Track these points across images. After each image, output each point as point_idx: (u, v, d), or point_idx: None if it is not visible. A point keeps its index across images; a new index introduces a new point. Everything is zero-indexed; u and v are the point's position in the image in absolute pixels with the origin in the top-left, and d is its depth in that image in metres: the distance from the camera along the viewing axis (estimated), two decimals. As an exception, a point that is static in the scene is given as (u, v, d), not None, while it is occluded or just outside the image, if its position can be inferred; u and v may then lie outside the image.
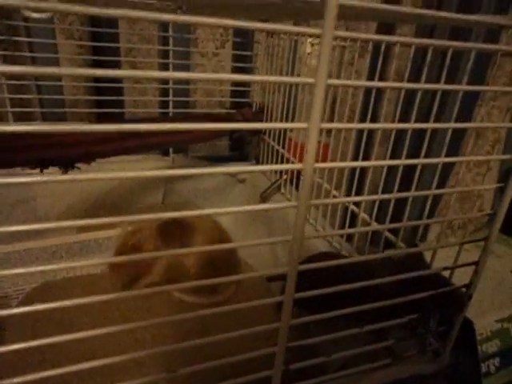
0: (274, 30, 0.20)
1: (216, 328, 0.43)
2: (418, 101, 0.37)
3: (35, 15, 0.29)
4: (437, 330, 0.37)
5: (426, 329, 0.38)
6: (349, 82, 0.23)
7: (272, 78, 0.25)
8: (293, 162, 0.61)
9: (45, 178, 0.22)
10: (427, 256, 0.38)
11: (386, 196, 0.31)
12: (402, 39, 0.23)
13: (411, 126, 0.31)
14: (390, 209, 0.41)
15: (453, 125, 0.32)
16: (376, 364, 0.34)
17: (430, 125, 0.30)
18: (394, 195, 0.33)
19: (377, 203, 0.46)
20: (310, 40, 0.56)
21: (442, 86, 0.29)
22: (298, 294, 0.26)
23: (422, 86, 0.28)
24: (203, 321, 0.41)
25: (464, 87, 0.29)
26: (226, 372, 0.37)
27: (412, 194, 0.33)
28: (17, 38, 0.69)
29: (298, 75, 0.68)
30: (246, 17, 0.70)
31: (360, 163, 0.24)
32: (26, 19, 0.67)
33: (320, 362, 0.31)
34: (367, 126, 0.22)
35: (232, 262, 0.48)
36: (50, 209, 0.68)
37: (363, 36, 0.21)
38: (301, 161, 0.63)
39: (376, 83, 0.22)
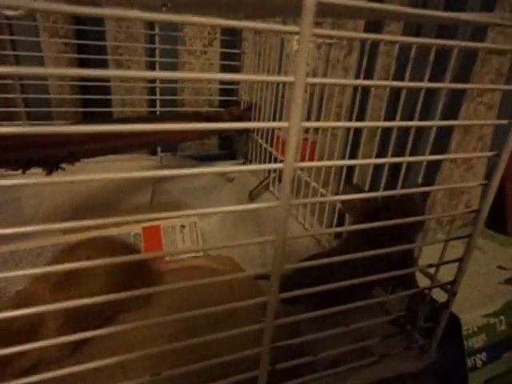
0: (249, 28, 0.20)
1: (203, 329, 0.43)
2: (403, 98, 0.38)
3: (9, 13, 0.28)
4: (423, 326, 0.37)
5: (413, 325, 0.39)
6: (327, 80, 0.23)
7: (252, 77, 0.25)
8: (281, 160, 0.61)
9: (22, 181, 0.21)
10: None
11: (371, 194, 0.31)
12: (385, 37, 0.23)
13: (396, 124, 0.31)
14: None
15: (438, 123, 0.32)
16: (363, 361, 0.34)
17: (415, 123, 0.30)
18: (380, 193, 0.33)
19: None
20: (296, 37, 0.56)
21: (425, 84, 0.29)
22: (282, 294, 0.26)
23: (406, 84, 0.28)
24: (190, 323, 0.41)
25: (445, 85, 0.29)
26: (214, 373, 0.37)
27: (398, 191, 0.33)
28: (-1, 37, 0.68)
29: (286, 73, 0.68)
30: (230, 14, 0.69)
31: (343, 162, 0.24)
32: (8, 17, 0.66)
33: (307, 361, 0.31)
34: (351, 124, 0.22)
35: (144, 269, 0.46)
36: (36, 210, 0.67)
37: (343, 34, 0.21)
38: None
39: (354, 81, 0.21)
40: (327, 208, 0.52)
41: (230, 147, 0.87)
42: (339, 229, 0.38)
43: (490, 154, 0.31)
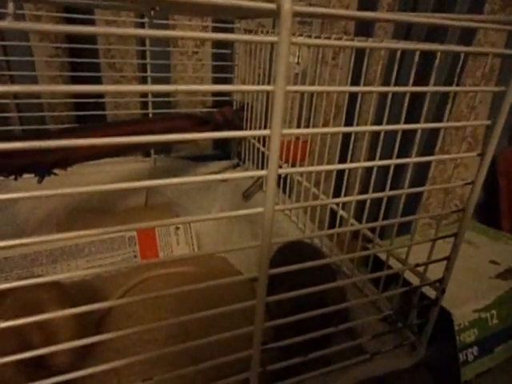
0: (227, 39, 0.20)
1: (197, 331, 0.44)
2: (389, 102, 0.38)
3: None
4: (414, 323, 0.38)
5: (404, 323, 0.39)
6: (308, 88, 0.24)
7: (230, 87, 0.25)
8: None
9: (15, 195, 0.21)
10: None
11: (361, 197, 0.32)
12: (367, 45, 0.24)
13: (383, 128, 0.31)
14: (367, 206, 0.41)
15: (429, 125, 0.32)
16: (354, 360, 0.35)
17: (401, 126, 0.30)
18: (370, 196, 0.33)
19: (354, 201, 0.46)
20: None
21: (410, 88, 0.29)
22: (269, 298, 0.26)
23: (391, 88, 0.29)
24: (184, 325, 0.42)
25: (432, 88, 0.29)
26: (207, 374, 0.37)
27: (385, 193, 0.33)
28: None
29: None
30: (214, 15, 0.69)
31: (326, 167, 0.25)
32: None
33: (296, 362, 0.31)
34: (333, 130, 0.23)
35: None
36: (30, 214, 0.67)
37: (323, 42, 0.21)
38: (281, 158, 0.63)
39: (335, 88, 0.22)
40: (319, 207, 0.52)
41: (224, 147, 0.87)
42: (331, 231, 0.38)
43: (473, 154, 0.31)
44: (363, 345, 0.37)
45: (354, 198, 0.33)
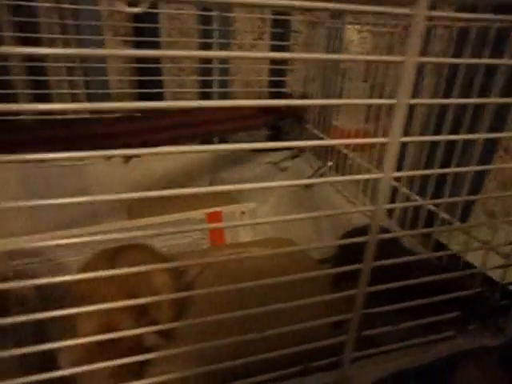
0: (359, 10, 0.22)
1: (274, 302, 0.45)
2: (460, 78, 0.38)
3: (129, 9, 0.31)
4: (499, 304, 0.38)
5: (488, 303, 0.39)
6: (437, 60, 0.25)
7: (359, 57, 0.27)
8: (339, 151, 0.62)
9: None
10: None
11: (430, 171, 0.33)
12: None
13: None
14: (448, 185, 0.42)
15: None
16: (441, 335, 0.35)
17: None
18: (452, 170, 0.34)
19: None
20: (357, 27, 0.57)
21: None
22: (376, 263, 0.27)
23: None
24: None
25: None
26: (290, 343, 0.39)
27: (471, 168, 0.34)
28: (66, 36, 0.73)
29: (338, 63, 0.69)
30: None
31: (429, 138, 0.26)
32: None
33: (389, 330, 0.32)
34: (459, 100, 0.24)
35: None
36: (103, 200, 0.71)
37: (456, 15, 0.22)
38: (347, 148, 0.64)
39: (467, 60, 0.23)
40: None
41: (279, 138, 0.89)
42: (400, 204, 0.39)
43: None
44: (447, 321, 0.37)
45: (419, 172, 0.33)
